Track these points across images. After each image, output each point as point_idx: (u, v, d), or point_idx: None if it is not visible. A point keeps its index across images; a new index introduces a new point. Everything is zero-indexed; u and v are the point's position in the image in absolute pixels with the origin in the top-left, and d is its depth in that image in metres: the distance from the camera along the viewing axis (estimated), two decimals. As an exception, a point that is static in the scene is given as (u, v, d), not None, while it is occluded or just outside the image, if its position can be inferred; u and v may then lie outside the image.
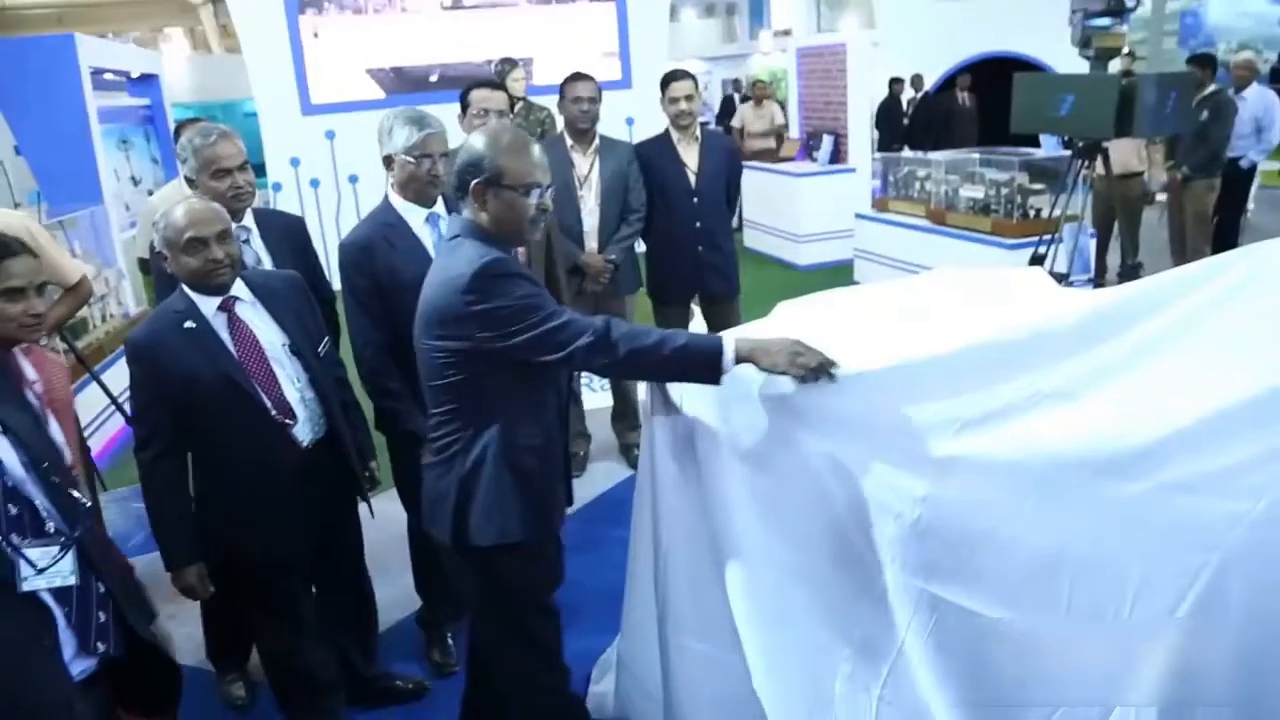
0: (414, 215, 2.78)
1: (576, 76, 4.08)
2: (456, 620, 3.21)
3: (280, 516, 2.41)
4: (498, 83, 3.74)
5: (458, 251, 2.02)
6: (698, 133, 4.23)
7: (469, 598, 2.23)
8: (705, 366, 1.97)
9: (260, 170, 5.67)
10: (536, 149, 2.07)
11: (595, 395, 4.88)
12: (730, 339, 1.99)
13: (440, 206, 2.82)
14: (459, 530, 2.08)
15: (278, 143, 7.49)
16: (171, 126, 6.58)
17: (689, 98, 4.12)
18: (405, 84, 7.79)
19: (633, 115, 8.14)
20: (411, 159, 2.68)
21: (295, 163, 7.47)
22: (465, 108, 3.51)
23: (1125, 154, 6.49)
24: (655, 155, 4.16)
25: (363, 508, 2.78)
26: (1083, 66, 4.79)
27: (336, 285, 2.90)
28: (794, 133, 8.95)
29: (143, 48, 14.55)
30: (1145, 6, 15.88)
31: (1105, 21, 4.48)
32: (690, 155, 4.16)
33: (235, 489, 2.39)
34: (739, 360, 1.95)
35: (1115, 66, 4.70)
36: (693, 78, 4.24)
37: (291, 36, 7.17)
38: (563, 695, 2.31)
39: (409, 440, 2.64)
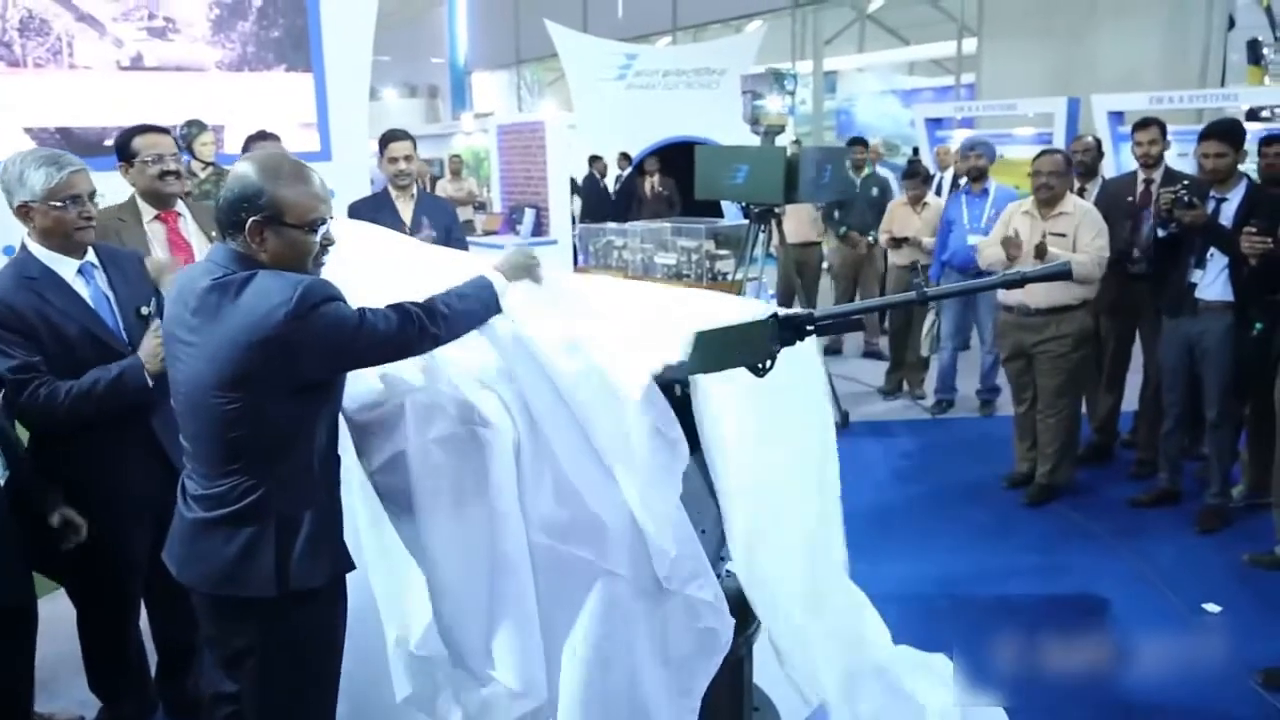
0: (64, 267, 2.48)
1: (261, 136, 3.98)
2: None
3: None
4: (164, 128, 3.37)
5: (251, 288, 1.80)
6: (414, 192, 4.28)
7: (272, 662, 2.00)
8: (492, 302, 2.02)
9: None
10: (317, 177, 1.92)
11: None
12: (490, 270, 2.07)
13: (92, 255, 2.55)
14: (284, 579, 1.89)
15: (-88, 208, 6.55)
16: None
17: (408, 157, 4.20)
18: (75, 146, 7.10)
19: (334, 189, 7.95)
20: (59, 203, 2.39)
21: (-64, 230, 6.59)
22: (130, 158, 3.06)
23: (803, 226, 7.30)
24: (373, 211, 4.11)
25: None
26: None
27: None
28: (497, 207, 9.17)
29: None
30: (808, 104, 17.98)
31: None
32: (407, 211, 4.22)
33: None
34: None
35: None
36: (411, 138, 4.29)
37: (-71, 86, 6.37)
38: None
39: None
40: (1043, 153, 4.61)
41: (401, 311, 1.88)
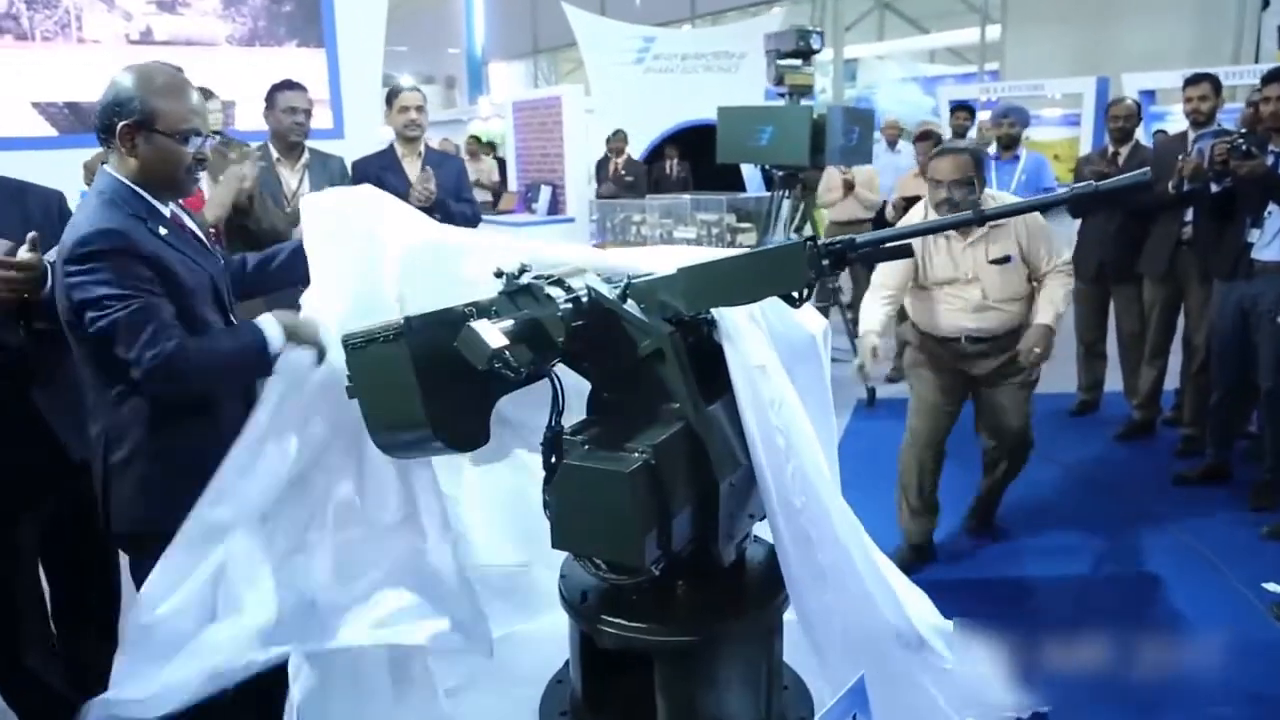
0: None
1: (288, 84, 3.82)
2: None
3: None
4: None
5: (79, 213, 1.81)
6: (421, 149, 4.18)
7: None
8: (259, 360, 1.82)
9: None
10: (195, 93, 1.89)
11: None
12: (270, 320, 1.85)
13: None
14: (108, 517, 1.88)
15: (-84, 182, 6.42)
16: None
17: (419, 108, 4.12)
18: (84, 121, 6.99)
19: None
20: None
21: (-59, 205, 6.46)
22: None
23: (849, 205, 7.06)
24: (378, 168, 4.06)
25: None
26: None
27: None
28: (513, 186, 9.00)
29: None
30: (828, 92, 17.75)
31: (795, 62, 4.87)
32: (413, 170, 4.11)
33: None
34: (289, 338, 1.84)
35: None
36: (421, 92, 4.27)
37: (-66, 61, 6.28)
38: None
39: None
40: (941, 151, 3.34)
41: (169, 337, 1.74)
